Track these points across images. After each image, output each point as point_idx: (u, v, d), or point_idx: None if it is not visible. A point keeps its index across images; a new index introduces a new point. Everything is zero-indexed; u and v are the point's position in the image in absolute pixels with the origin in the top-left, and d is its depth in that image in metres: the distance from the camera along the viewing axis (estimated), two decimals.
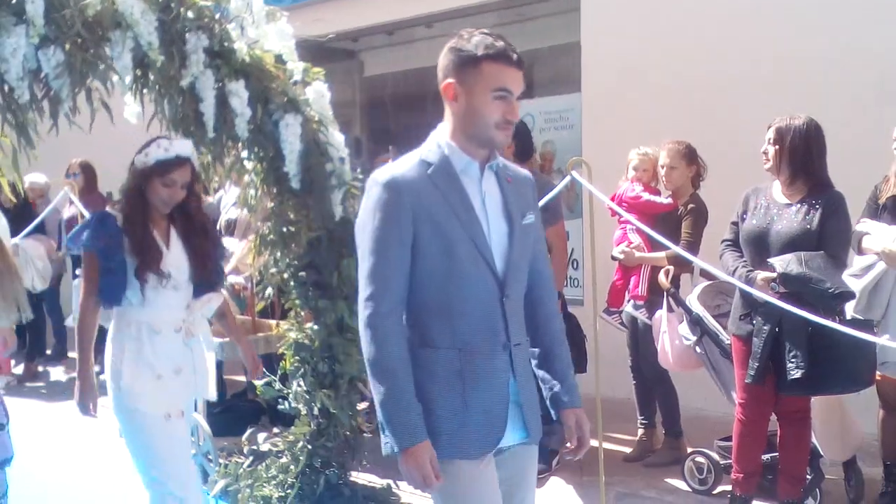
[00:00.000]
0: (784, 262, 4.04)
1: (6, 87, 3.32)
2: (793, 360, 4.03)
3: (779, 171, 4.28)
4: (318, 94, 4.25)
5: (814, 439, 4.45)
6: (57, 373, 8.71)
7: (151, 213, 3.70)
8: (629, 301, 5.47)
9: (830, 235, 4.13)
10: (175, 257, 3.74)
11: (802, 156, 4.20)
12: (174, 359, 3.74)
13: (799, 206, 4.20)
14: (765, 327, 4.13)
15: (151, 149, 3.65)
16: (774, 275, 4.04)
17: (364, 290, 2.41)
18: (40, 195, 8.67)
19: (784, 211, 4.22)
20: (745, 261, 4.30)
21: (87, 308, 3.71)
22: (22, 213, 8.03)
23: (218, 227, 5.93)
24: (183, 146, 3.71)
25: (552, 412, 2.66)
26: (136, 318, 3.69)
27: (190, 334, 3.79)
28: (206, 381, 3.95)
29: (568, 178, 4.64)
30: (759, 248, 4.23)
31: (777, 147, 4.24)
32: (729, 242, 4.44)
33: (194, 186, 3.79)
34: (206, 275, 3.86)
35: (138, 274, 3.61)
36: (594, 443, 5.22)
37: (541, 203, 4.80)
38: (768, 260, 4.13)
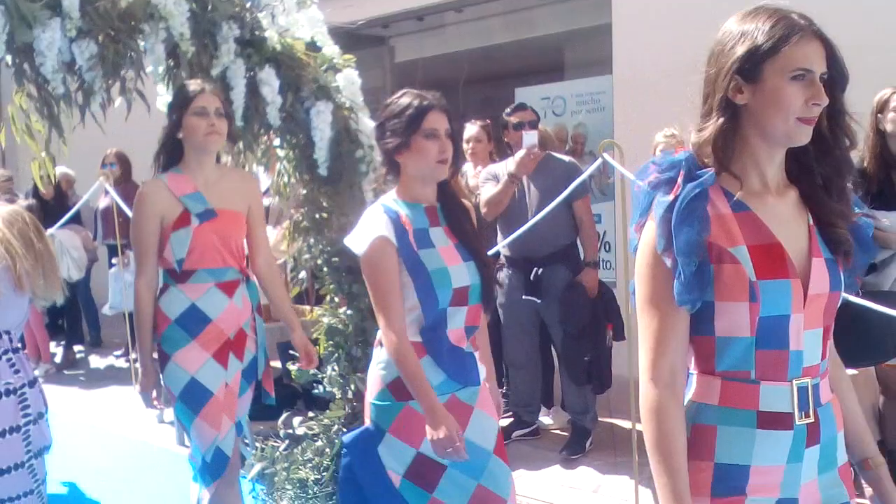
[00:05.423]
0: None
1: (40, 80, 3.37)
2: None
3: None
4: (348, 80, 4.25)
5: None
6: (95, 360, 8.82)
7: None
8: None
9: None
10: None
11: None
12: None
13: None
14: None
15: None
16: None
17: None
18: (70, 186, 8.81)
19: None
20: None
21: None
22: (58, 204, 8.21)
23: None
24: None
25: None
26: None
27: None
28: None
29: (599, 161, 4.63)
30: None
31: None
32: None
33: None
34: None
35: None
36: (627, 424, 5.25)
37: (571, 186, 4.92)
38: None
